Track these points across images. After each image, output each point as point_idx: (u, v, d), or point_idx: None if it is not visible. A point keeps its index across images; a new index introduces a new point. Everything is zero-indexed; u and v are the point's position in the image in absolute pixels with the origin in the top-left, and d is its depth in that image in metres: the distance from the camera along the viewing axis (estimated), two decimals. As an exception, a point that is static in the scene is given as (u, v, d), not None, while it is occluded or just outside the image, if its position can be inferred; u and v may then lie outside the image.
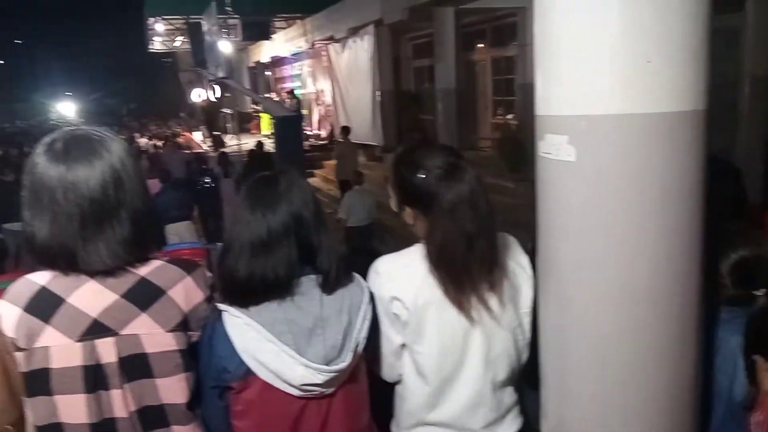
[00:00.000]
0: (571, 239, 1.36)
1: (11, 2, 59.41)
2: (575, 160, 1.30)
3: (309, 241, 1.41)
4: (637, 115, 1.23)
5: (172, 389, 1.32)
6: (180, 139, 18.74)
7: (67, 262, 1.26)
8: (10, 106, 45.09)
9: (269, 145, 13.55)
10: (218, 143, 17.36)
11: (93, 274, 1.27)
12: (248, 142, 16.71)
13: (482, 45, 12.66)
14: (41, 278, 1.29)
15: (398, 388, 1.62)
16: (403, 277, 1.52)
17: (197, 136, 21.14)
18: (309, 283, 1.42)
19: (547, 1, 1.33)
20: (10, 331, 1.26)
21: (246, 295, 1.38)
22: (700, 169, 1.30)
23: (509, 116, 11.74)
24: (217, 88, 17.75)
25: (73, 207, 1.24)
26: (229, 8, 13.19)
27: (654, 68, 1.21)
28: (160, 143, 17.04)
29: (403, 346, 1.56)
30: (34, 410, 1.28)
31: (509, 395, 1.60)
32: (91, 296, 1.27)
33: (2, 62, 55.39)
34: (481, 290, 1.49)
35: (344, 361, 1.39)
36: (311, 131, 17.23)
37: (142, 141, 17.42)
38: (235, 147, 15.67)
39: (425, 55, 14.28)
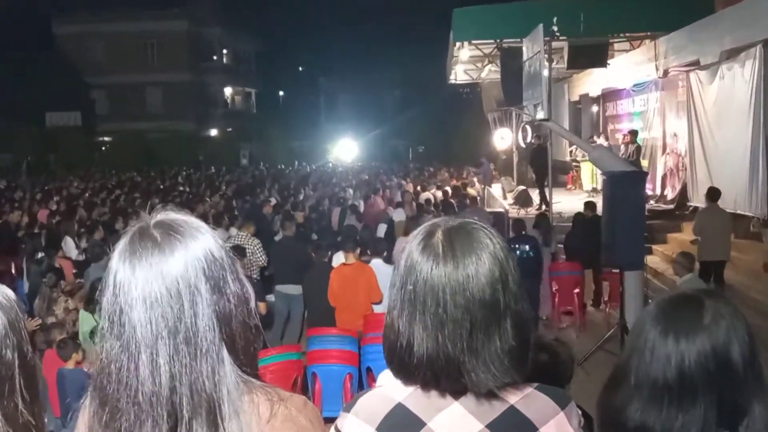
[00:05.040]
0: None
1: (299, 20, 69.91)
2: None
3: (734, 399, 1.38)
4: None
5: None
6: (472, 192, 19.85)
7: (449, 378, 1.36)
8: (290, 144, 53.38)
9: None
10: (523, 201, 17.97)
11: (458, 395, 1.37)
12: (560, 201, 17.01)
13: None
14: (398, 393, 1.42)
15: None
16: None
17: (496, 189, 22.23)
18: None
19: None
20: None
21: None
22: None
23: None
24: (529, 130, 18.43)
25: (461, 312, 1.34)
26: (555, 28, 13.64)
27: None
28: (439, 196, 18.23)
29: None
30: None
31: None
32: (453, 423, 1.37)
33: (282, 93, 65.47)
34: None
35: None
36: (651, 190, 16.80)
37: (424, 194, 18.78)
38: (549, 207, 16.03)
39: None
